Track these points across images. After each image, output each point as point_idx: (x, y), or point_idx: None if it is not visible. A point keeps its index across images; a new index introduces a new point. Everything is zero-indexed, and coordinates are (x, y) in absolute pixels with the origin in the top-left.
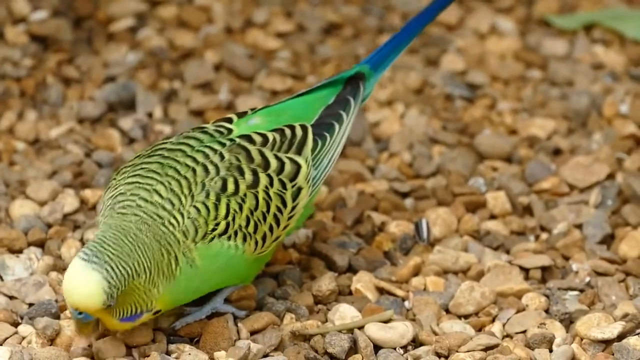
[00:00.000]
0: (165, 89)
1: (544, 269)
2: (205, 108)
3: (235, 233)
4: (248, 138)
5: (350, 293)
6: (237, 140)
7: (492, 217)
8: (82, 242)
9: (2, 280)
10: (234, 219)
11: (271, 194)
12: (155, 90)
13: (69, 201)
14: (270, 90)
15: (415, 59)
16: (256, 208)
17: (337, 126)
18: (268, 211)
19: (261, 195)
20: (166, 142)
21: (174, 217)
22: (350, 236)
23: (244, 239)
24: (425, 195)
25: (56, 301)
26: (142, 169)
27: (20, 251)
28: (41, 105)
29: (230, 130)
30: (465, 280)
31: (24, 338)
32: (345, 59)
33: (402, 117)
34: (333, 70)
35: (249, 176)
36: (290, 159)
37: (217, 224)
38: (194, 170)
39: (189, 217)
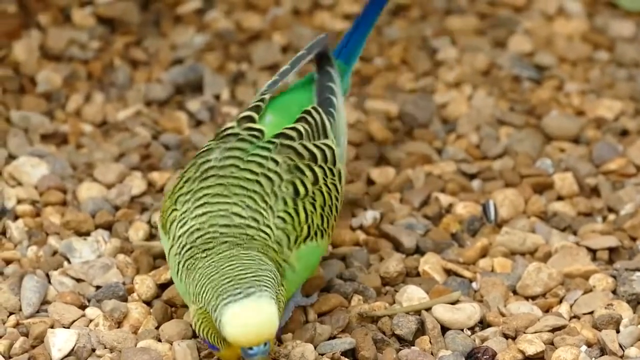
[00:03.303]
0: (233, 71)
1: (611, 250)
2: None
3: (316, 233)
4: (285, 136)
5: (418, 274)
6: (277, 140)
7: (560, 198)
8: (150, 224)
9: (70, 262)
10: (313, 221)
11: (329, 185)
12: (222, 72)
13: (136, 183)
14: None
15: (483, 40)
16: (324, 203)
17: (334, 99)
18: (331, 203)
19: (324, 189)
20: (209, 160)
21: (264, 232)
22: (418, 218)
23: (322, 236)
24: (493, 177)
25: (123, 283)
26: (205, 195)
27: (87, 234)
28: (108, 88)
29: (261, 132)
30: (533, 261)
31: (91, 321)
32: (413, 40)
33: (470, 98)
34: (401, 52)
35: (309, 173)
36: (325, 145)
37: (302, 229)
38: (259, 183)
39: (277, 228)
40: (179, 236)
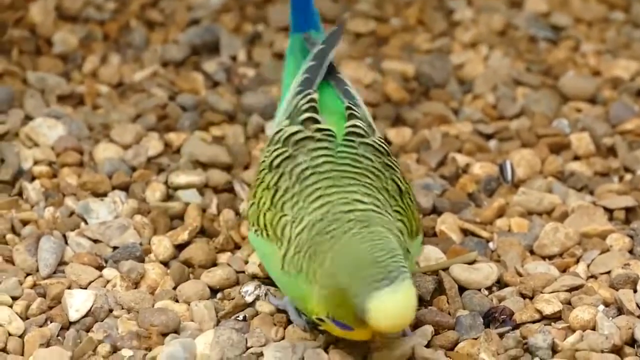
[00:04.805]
0: (249, 32)
1: (628, 210)
2: None
3: (418, 228)
4: (357, 134)
5: (435, 235)
6: (355, 139)
7: (576, 158)
8: (167, 185)
9: (87, 223)
10: (413, 215)
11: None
12: (239, 33)
13: (153, 144)
14: (354, 32)
15: (499, 1)
16: (413, 198)
17: (359, 101)
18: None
19: (405, 183)
20: (299, 164)
21: (386, 217)
22: (435, 178)
23: (420, 231)
24: (509, 137)
25: (140, 244)
26: (317, 190)
27: (104, 194)
28: (125, 49)
29: (332, 131)
30: (550, 221)
31: (108, 281)
32: (429, 1)
33: (486, 59)
34: (417, 13)
35: (396, 169)
36: (382, 139)
37: (412, 225)
38: (367, 177)
39: (397, 220)
40: (298, 234)
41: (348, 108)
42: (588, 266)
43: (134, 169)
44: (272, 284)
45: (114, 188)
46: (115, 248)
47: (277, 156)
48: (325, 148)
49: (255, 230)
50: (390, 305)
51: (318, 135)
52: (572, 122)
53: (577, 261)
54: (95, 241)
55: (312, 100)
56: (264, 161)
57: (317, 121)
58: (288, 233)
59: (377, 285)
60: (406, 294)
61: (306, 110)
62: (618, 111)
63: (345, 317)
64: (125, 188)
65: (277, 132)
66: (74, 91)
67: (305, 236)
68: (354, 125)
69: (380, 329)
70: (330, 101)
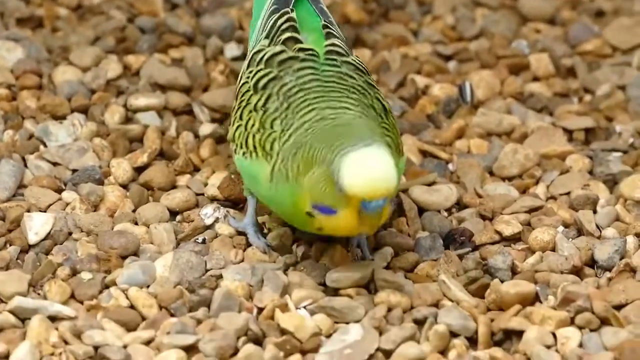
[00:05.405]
0: None
1: (588, 131)
2: None
3: (402, 147)
4: (337, 53)
5: None
6: (338, 57)
7: (536, 79)
8: (126, 107)
9: (46, 146)
10: (398, 134)
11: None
12: None
13: (112, 67)
14: None
15: None
16: (394, 117)
17: (334, 21)
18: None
19: (387, 102)
20: (285, 84)
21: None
22: (394, 99)
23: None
24: (469, 58)
25: (100, 167)
26: (305, 101)
27: (63, 117)
28: None
29: (315, 51)
30: (509, 142)
31: (67, 204)
32: None
33: None
34: None
35: (378, 88)
36: (358, 58)
37: (398, 144)
38: (354, 93)
39: (386, 135)
40: (285, 142)
41: (325, 27)
42: (547, 187)
43: (93, 92)
44: (232, 206)
45: (73, 111)
46: (74, 171)
47: (262, 77)
48: (311, 67)
49: (244, 153)
50: (362, 164)
51: (302, 55)
52: (532, 42)
53: (537, 182)
54: (55, 164)
55: (291, 19)
56: (246, 82)
57: (298, 41)
58: (277, 146)
59: (350, 149)
60: (380, 155)
61: (286, 30)
62: (577, 32)
63: (327, 197)
64: (84, 111)
65: (257, 52)
66: (33, 14)
67: (291, 141)
68: (334, 44)
69: (354, 192)
70: (308, 18)
